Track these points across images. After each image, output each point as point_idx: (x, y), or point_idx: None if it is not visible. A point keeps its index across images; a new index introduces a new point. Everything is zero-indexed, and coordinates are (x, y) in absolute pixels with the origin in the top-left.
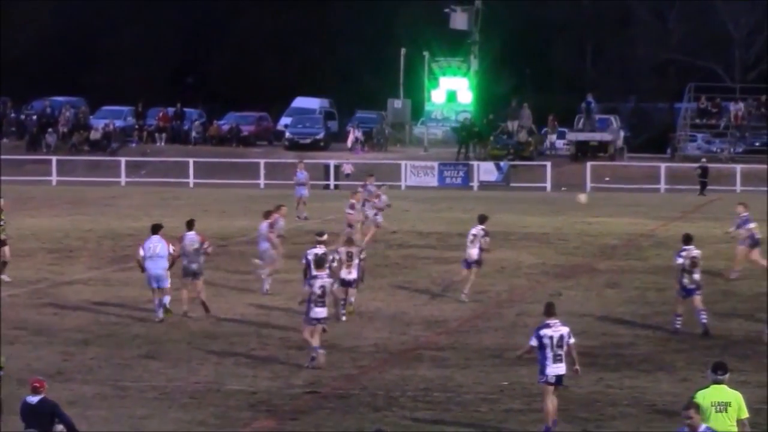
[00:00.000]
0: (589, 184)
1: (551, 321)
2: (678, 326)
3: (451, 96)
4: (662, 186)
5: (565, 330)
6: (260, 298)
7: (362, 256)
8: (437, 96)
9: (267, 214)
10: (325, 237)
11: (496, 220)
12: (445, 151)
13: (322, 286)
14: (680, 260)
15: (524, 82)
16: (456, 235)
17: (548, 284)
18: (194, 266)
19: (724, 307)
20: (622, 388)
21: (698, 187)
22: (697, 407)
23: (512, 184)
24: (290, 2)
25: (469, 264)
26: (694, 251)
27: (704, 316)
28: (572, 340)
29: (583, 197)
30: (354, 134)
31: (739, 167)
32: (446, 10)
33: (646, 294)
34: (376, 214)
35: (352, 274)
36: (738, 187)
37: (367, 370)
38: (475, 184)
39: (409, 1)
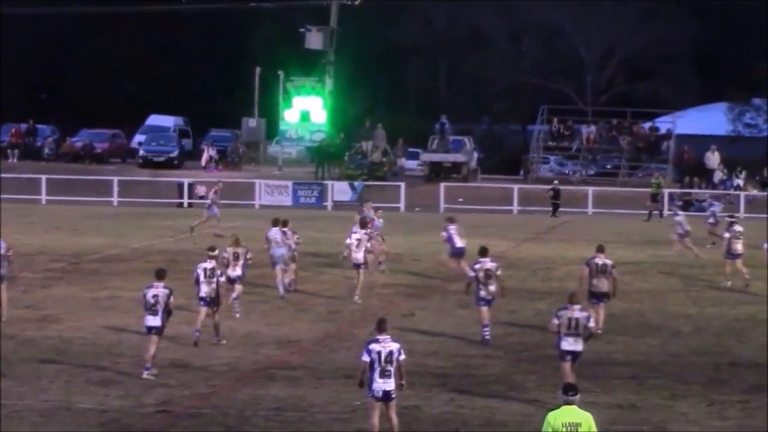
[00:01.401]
0: (442, 205)
1: (381, 336)
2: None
3: (305, 116)
4: (515, 207)
5: (395, 346)
6: (112, 316)
7: (248, 257)
8: (291, 115)
9: (276, 222)
10: (216, 252)
11: None
12: (300, 171)
13: (155, 295)
14: (473, 273)
15: (378, 103)
16: (310, 254)
17: (401, 304)
18: (0, 271)
19: None
20: (474, 409)
21: (550, 208)
22: None
23: None
24: (145, 20)
25: (357, 266)
26: (488, 263)
27: (487, 331)
28: (402, 357)
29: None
30: (208, 153)
31: (590, 189)
32: (302, 29)
33: (497, 315)
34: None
35: (237, 272)
36: (589, 209)
37: (220, 389)
38: (329, 203)
39: (265, 20)
